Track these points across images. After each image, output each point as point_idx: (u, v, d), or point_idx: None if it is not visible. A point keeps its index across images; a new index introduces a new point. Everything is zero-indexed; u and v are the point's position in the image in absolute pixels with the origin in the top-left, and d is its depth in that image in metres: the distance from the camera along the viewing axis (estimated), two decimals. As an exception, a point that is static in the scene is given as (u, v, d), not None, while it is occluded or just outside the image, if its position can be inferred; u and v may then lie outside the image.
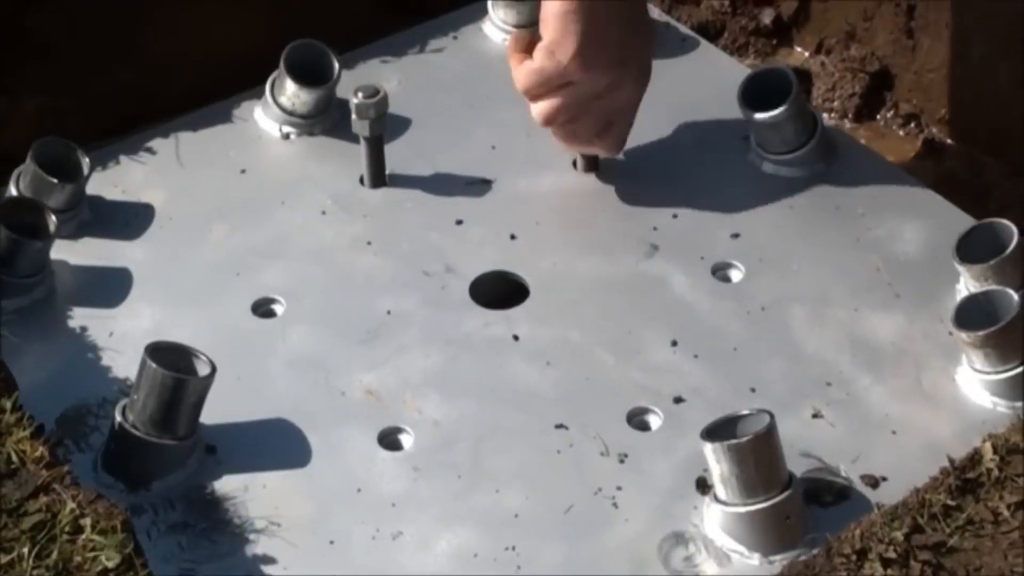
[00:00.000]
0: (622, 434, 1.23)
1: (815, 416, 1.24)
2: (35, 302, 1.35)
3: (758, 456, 1.10)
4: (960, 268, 1.31)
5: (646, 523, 1.16)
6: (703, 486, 1.17)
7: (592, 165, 1.46)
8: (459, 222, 1.43)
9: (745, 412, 1.14)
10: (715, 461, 1.11)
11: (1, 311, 1.32)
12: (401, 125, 1.53)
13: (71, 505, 1.06)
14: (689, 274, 1.36)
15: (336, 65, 1.51)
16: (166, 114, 1.56)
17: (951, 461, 1.11)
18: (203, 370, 1.20)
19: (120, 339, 1.32)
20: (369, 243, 1.41)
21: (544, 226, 1.42)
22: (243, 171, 1.50)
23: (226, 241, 1.42)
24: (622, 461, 1.21)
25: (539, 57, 1.31)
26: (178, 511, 1.17)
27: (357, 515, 1.17)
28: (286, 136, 1.53)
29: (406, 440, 1.24)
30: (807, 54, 1.68)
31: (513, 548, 1.15)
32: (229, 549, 1.15)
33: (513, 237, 1.41)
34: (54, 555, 1.03)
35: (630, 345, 1.30)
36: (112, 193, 1.47)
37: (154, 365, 1.16)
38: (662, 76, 1.60)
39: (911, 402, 1.24)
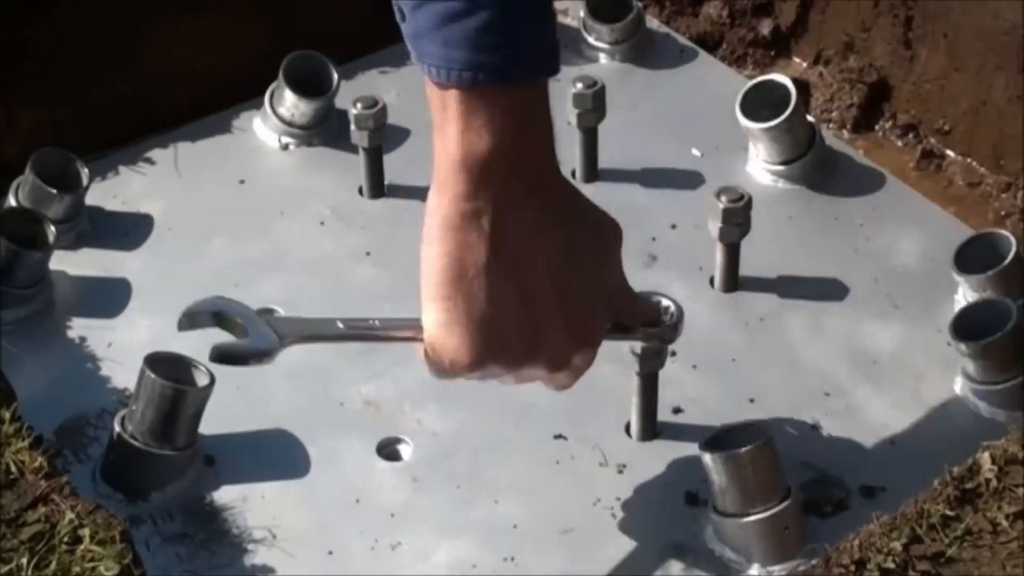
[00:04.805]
0: (621, 445, 1.23)
1: (814, 427, 1.24)
2: (34, 313, 1.35)
3: (757, 466, 1.10)
4: (958, 279, 1.31)
5: (645, 533, 1.16)
6: (692, 500, 1.17)
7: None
8: (458, 233, 1.43)
9: (744, 423, 1.14)
10: (714, 471, 1.11)
11: (0, 321, 1.32)
12: (400, 136, 1.53)
13: (70, 515, 1.06)
14: (688, 284, 1.36)
15: (335, 76, 1.52)
16: (165, 125, 1.56)
17: (949, 471, 1.11)
18: (202, 381, 1.20)
19: (119, 349, 1.32)
20: (368, 253, 1.41)
21: (543, 237, 1.42)
22: (242, 181, 1.50)
23: (225, 252, 1.42)
24: (621, 472, 1.21)
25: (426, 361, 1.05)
26: (177, 522, 1.17)
27: (356, 525, 1.17)
28: (285, 147, 1.53)
29: (405, 451, 1.24)
30: (805, 65, 1.68)
31: (512, 559, 1.15)
32: (228, 560, 1.15)
33: (512, 248, 1.41)
34: (53, 565, 1.03)
35: (628, 355, 1.29)
36: (111, 204, 1.47)
37: (153, 376, 1.16)
38: (661, 86, 1.60)
39: (910, 412, 1.24)
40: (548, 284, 1.01)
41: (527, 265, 1.00)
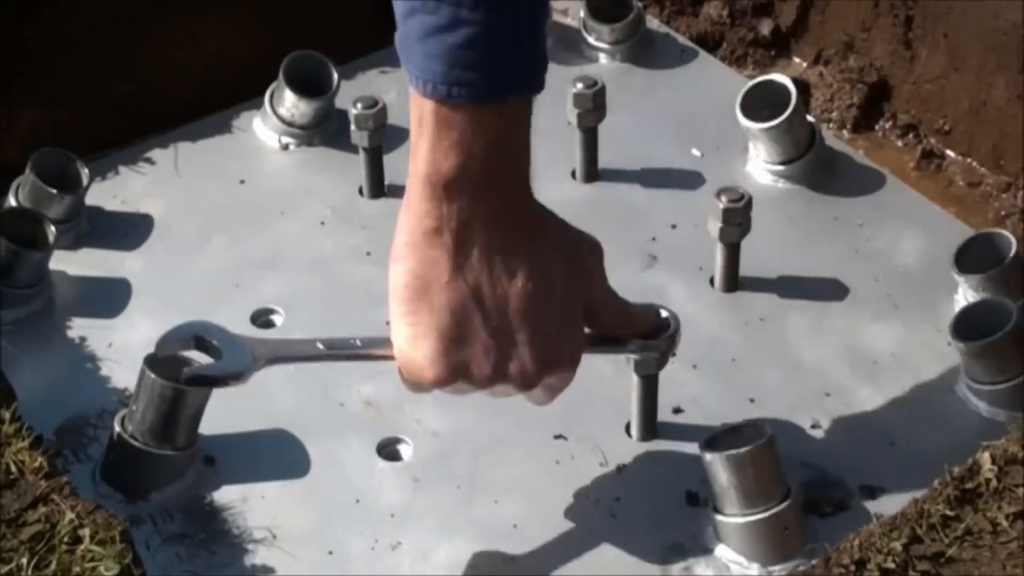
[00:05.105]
0: (621, 445, 1.23)
1: (814, 427, 1.24)
2: (34, 313, 1.35)
3: (757, 466, 1.10)
4: (959, 279, 1.31)
5: (645, 534, 1.16)
6: (692, 499, 1.17)
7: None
8: (458, 233, 1.43)
9: (744, 423, 1.14)
10: (714, 472, 1.11)
11: (0, 321, 1.32)
12: (400, 136, 1.52)
13: (70, 515, 1.06)
14: (688, 285, 1.36)
15: (335, 76, 1.52)
16: (165, 125, 1.56)
17: (950, 471, 1.11)
18: (202, 381, 1.20)
19: (119, 350, 1.32)
20: (368, 253, 1.41)
21: (543, 237, 1.42)
22: (242, 182, 1.50)
23: (225, 252, 1.42)
24: (621, 472, 1.21)
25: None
26: (177, 522, 1.17)
27: (356, 526, 1.17)
28: (285, 147, 1.53)
29: (405, 451, 1.24)
30: (805, 65, 1.68)
31: (512, 559, 1.15)
32: (228, 560, 1.15)
33: (512, 248, 1.41)
34: (53, 566, 1.03)
35: (628, 357, 1.30)
36: (111, 204, 1.47)
37: (153, 376, 1.16)
38: (661, 86, 1.60)
39: (910, 412, 1.24)
40: (515, 304, 1.01)
41: (492, 285, 1.00)
